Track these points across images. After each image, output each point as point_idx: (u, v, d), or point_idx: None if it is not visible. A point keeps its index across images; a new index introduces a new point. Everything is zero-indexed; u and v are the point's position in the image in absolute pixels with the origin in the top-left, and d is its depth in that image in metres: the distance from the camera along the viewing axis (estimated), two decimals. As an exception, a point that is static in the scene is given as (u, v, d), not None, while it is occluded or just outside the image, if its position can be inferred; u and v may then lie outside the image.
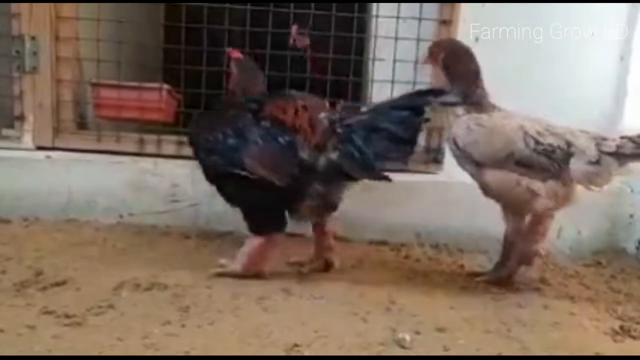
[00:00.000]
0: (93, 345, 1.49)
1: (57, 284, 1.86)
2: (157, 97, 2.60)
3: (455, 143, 2.11)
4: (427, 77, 2.59)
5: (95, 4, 2.59)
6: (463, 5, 2.57)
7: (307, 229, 2.18)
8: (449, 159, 2.38)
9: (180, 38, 2.61)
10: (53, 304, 1.70)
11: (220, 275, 2.02)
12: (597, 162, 1.95)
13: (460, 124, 2.10)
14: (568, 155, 1.98)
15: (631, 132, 2.50)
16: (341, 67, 2.68)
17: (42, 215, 2.55)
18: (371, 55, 2.67)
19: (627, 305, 2.04)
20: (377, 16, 2.61)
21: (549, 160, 1.98)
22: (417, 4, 2.57)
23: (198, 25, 2.59)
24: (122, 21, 2.62)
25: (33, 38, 2.55)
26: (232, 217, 2.13)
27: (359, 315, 1.79)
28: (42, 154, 2.62)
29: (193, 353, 1.49)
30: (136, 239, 2.40)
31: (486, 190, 2.09)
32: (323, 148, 1.92)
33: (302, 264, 2.17)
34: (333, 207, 2.05)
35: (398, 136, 1.89)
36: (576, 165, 1.97)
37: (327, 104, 2.13)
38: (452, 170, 2.37)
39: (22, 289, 1.81)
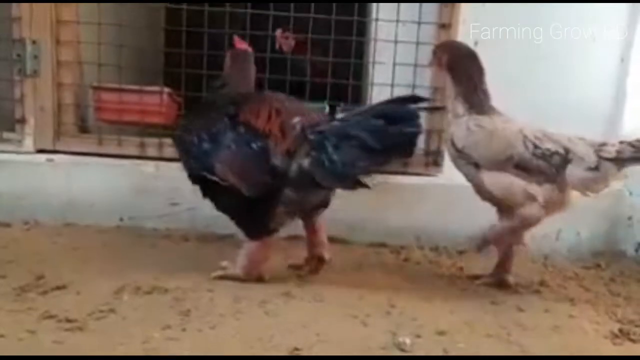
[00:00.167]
0: (94, 350, 1.50)
1: (58, 288, 1.86)
2: (158, 101, 2.61)
3: (454, 144, 2.12)
4: (427, 80, 2.62)
5: (96, 8, 2.59)
6: (462, 8, 2.58)
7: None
8: (448, 162, 2.38)
9: (180, 42, 2.62)
10: (54, 308, 1.70)
11: (222, 278, 2.03)
12: (596, 169, 1.95)
13: (460, 124, 2.11)
14: (566, 161, 1.98)
15: (631, 134, 2.54)
16: (341, 70, 2.69)
17: (43, 218, 2.55)
18: (371, 59, 2.67)
19: (626, 308, 2.04)
20: (377, 20, 2.62)
21: (548, 165, 1.99)
22: (417, 8, 2.57)
23: (199, 29, 2.59)
24: (123, 25, 2.63)
25: (34, 42, 2.56)
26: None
27: (359, 318, 1.80)
28: (43, 157, 2.62)
29: (194, 357, 1.50)
30: (137, 242, 2.41)
31: (482, 192, 2.09)
32: (294, 154, 1.87)
33: (300, 267, 2.17)
34: (322, 205, 2.03)
35: (369, 145, 1.81)
36: (574, 172, 1.97)
37: (306, 108, 2.07)
38: (451, 173, 2.36)
39: (22, 293, 1.82)
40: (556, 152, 1.98)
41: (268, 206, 1.91)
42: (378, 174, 2.55)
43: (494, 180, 2.05)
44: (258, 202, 1.90)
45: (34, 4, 2.54)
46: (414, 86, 2.59)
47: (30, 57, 2.56)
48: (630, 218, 2.67)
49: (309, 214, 2.08)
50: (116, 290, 1.87)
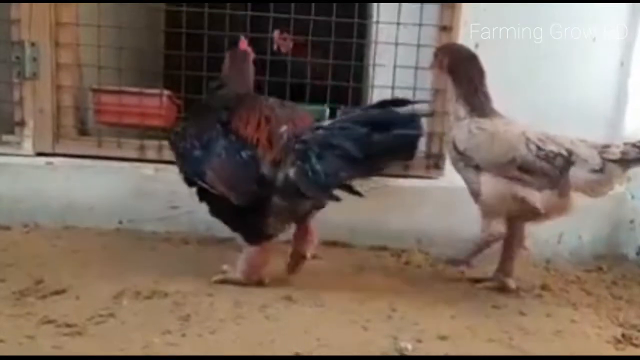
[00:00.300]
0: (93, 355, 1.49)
1: (57, 293, 1.85)
2: (158, 103, 2.60)
3: (456, 146, 2.11)
4: (428, 82, 2.61)
5: (96, 10, 2.58)
6: (463, 10, 2.57)
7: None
8: (449, 164, 2.37)
9: (180, 44, 2.61)
10: (53, 313, 1.69)
11: (222, 282, 2.02)
12: (601, 171, 1.93)
13: (461, 127, 2.10)
14: (569, 163, 1.97)
15: (632, 135, 2.54)
16: (342, 72, 2.68)
17: (42, 221, 2.54)
18: (371, 61, 2.66)
19: (628, 312, 2.04)
20: (377, 22, 2.61)
21: (551, 167, 1.98)
22: (418, 10, 2.56)
23: (198, 31, 2.59)
24: (122, 27, 2.62)
25: (33, 44, 2.55)
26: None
27: (359, 323, 1.79)
28: (42, 160, 2.61)
29: (194, 363, 1.49)
30: (136, 245, 2.40)
31: (479, 196, 2.08)
32: (281, 164, 1.85)
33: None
34: (316, 208, 2.01)
35: (350, 154, 1.77)
36: (578, 174, 1.96)
37: (299, 114, 2.03)
38: (453, 176, 2.35)
39: (21, 298, 1.81)
40: (559, 154, 1.97)
41: (258, 214, 1.90)
42: (378, 177, 2.57)
43: (495, 187, 2.04)
44: (248, 210, 1.89)
45: (33, 7, 2.53)
46: (414, 89, 2.58)
47: (30, 59, 2.56)
48: (632, 221, 2.67)
49: (302, 219, 2.06)
50: (116, 295, 1.86)
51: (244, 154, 1.87)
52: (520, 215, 2.08)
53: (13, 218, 2.52)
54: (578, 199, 2.04)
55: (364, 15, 2.82)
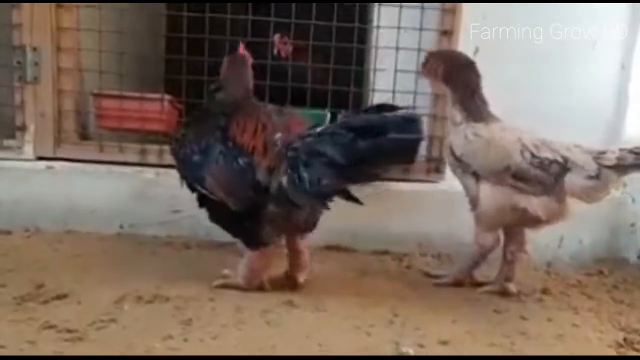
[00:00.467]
0: (95, 360, 1.49)
1: (58, 297, 1.85)
2: (159, 108, 2.60)
3: (453, 152, 2.11)
4: (428, 87, 2.61)
5: (97, 15, 2.59)
6: (464, 15, 2.57)
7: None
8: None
9: (181, 48, 2.62)
10: (54, 318, 1.69)
11: (223, 287, 2.02)
12: (597, 177, 1.93)
13: (458, 132, 2.11)
14: (564, 170, 1.97)
15: (633, 139, 2.54)
16: (342, 77, 2.68)
17: (43, 226, 2.54)
18: (372, 66, 2.67)
19: (629, 316, 2.04)
20: (378, 26, 2.62)
21: (546, 174, 1.98)
22: (418, 14, 2.57)
23: (199, 35, 2.59)
24: (123, 32, 2.62)
25: (34, 49, 2.55)
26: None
27: (362, 328, 1.78)
28: (43, 164, 2.61)
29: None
30: (138, 250, 2.39)
31: (477, 204, 2.08)
32: (275, 171, 1.84)
33: (278, 280, 2.11)
34: (309, 226, 2.01)
35: (334, 162, 1.74)
36: (574, 181, 1.96)
37: (297, 120, 2.02)
38: (453, 180, 2.35)
39: (22, 303, 1.80)
40: (555, 161, 1.97)
41: (255, 221, 1.90)
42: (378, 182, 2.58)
43: (490, 196, 2.04)
44: (245, 216, 1.89)
45: (35, 11, 2.53)
46: (415, 93, 2.58)
47: (31, 64, 2.56)
48: (632, 225, 2.67)
49: (295, 232, 2.05)
50: (117, 300, 1.86)
51: (240, 161, 1.88)
52: (519, 223, 2.10)
53: (14, 222, 2.53)
54: (578, 203, 2.03)
55: (365, 19, 2.83)
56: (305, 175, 1.77)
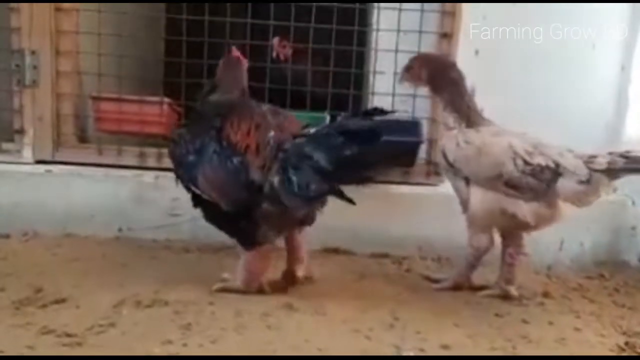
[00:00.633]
0: (94, 365, 1.48)
1: (57, 302, 1.84)
2: (158, 111, 2.59)
3: (445, 157, 2.11)
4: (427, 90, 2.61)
5: (96, 18, 2.58)
6: (464, 17, 2.57)
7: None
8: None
9: (181, 51, 2.61)
10: (53, 322, 1.68)
11: (223, 290, 2.01)
12: (588, 181, 1.93)
13: (450, 137, 2.11)
14: (556, 175, 1.97)
15: (633, 141, 2.54)
16: (341, 79, 2.68)
17: (42, 229, 2.53)
18: (371, 68, 2.66)
19: (631, 320, 2.02)
20: (377, 29, 2.61)
21: (537, 182, 1.98)
22: (418, 17, 2.57)
23: (199, 38, 2.59)
24: (122, 35, 2.62)
25: (33, 52, 2.55)
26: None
27: (362, 332, 1.77)
28: (42, 168, 2.61)
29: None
30: (136, 254, 2.38)
31: (468, 206, 2.09)
32: (268, 171, 1.84)
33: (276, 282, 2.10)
34: (307, 222, 2.01)
35: (320, 166, 1.73)
36: (565, 185, 1.96)
37: (291, 121, 2.02)
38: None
39: (21, 307, 1.79)
40: (547, 167, 1.97)
41: (249, 220, 1.89)
42: (379, 184, 2.57)
43: (480, 199, 2.05)
44: (239, 216, 1.89)
45: (34, 15, 2.53)
46: (414, 96, 2.57)
47: (30, 67, 2.55)
48: (633, 228, 2.66)
49: (293, 229, 2.05)
50: (116, 304, 1.84)
51: (234, 160, 1.88)
52: (509, 227, 2.10)
53: (12, 226, 2.51)
54: (576, 207, 2.03)
55: (364, 22, 2.82)
56: (294, 178, 1.77)
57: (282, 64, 3.10)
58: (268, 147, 1.87)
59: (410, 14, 2.58)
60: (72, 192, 2.58)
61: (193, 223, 2.54)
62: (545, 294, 2.22)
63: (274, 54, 3.14)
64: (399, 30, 2.58)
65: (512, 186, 2.00)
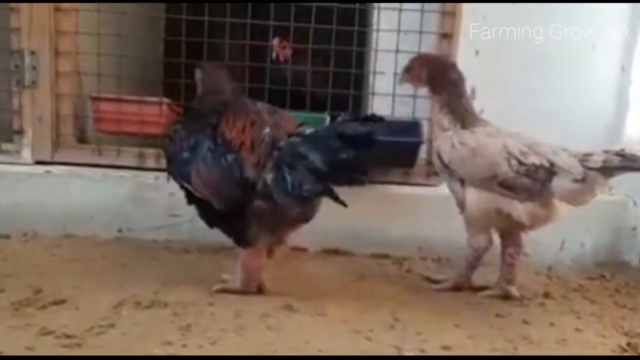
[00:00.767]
0: (93, 367, 1.47)
1: (57, 303, 1.84)
2: (158, 111, 2.59)
3: (441, 158, 2.12)
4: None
5: (96, 19, 2.58)
6: (464, 17, 2.57)
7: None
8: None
9: (180, 52, 2.61)
10: (52, 323, 1.68)
11: (222, 291, 2.00)
12: (583, 180, 1.93)
13: (445, 138, 2.11)
14: (551, 174, 1.96)
15: (633, 142, 2.54)
16: (341, 80, 2.67)
17: (41, 230, 2.52)
18: (372, 69, 2.66)
19: (633, 321, 2.02)
20: (377, 29, 2.61)
21: (532, 181, 1.97)
22: (418, 17, 2.56)
23: (198, 39, 2.58)
24: (122, 35, 2.61)
25: (32, 52, 2.54)
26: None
27: (362, 333, 1.77)
28: (41, 169, 2.60)
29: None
30: (136, 255, 2.38)
31: (465, 208, 2.09)
32: (262, 168, 1.84)
33: None
34: (303, 220, 1.98)
35: (315, 167, 1.74)
36: (560, 184, 1.95)
37: (287, 120, 2.01)
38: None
39: (20, 308, 1.79)
40: (541, 166, 1.97)
41: (243, 218, 1.89)
42: (379, 184, 2.57)
43: (475, 200, 2.05)
44: (231, 214, 1.89)
45: (33, 15, 2.52)
46: (414, 96, 2.57)
47: (29, 68, 2.55)
48: (634, 228, 2.65)
49: (289, 227, 2.03)
50: (115, 305, 1.84)
51: (228, 157, 1.88)
52: (505, 227, 2.10)
53: (12, 227, 2.51)
54: (576, 208, 2.03)
55: (364, 22, 2.82)
56: (288, 177, 1.78)
57: (282, 65, 3.10)
58: (263, 144, 1.87)
59: (411, 14, 2.58)
60: (71, 193, 2.57)
61: (192, 224, 2.53)
62: (546, 295, 2.22)
63: (274, 55, 3.14)
64: (399, 31, 2.57)
65: (506, 186, 2.00)
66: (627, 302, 2.21)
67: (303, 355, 1.59)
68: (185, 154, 1.93)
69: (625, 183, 2.48)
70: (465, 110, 2.12)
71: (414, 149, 2.52)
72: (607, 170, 1.93)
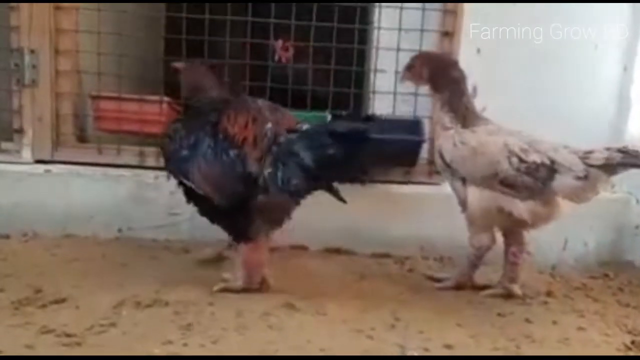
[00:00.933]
0: (93, 366, 1.47)
1: (57, 302, 1.83)
2: (158, 110, 2.57)
3: (442, 157, 2.11)
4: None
5: (96, 17, 2.57)
6: (465, 16, 2.55)
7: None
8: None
9: (181, 50, 2.60)
10: (52, 322, 1.67)
11: (224, 291, 1.99)
12: (585, 177, 1.92)
13: (447, 137, 2.10)
14: (552, 172, 1.95)
15: (635, 141, 2.52)
16: (342, 78, 2.66)
17: (41, 230, 2.51)
18: (373, 67, 2.65)
19: (636, 319, 2.01)
20: (378, 27, 2.60)
21: (533, 180, 1.96)
22: (419, 15, 2.55)
23: (199, 37, 2.57)
24: (122, 34, 2.60)
25: (32, 51, 2.53)
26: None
27: (364, 332, 1.76)
28: (41, 168, 2.59)
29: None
30: (136, 254, 2.36)
31: (466, 207, 2.08)
32: (263, 163, 1.87)
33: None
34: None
35: (304, 164, 1.79)
36: (562, 182, 1.94)
37: (288, 117, 2.04)
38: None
39: (20, 307, 1.78)
40: (542, 164, 1.96)
41: (243, 214, 1.90)
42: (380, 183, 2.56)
43: (477, 198, 2.04)
44: (233, 209, 1.90)
45: (33, 13, 2.51)
46: (416, 95, 2.56)
47: (29, 66, 2.53)
48: (637, 227, 2.64)
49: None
50: (116, 304, 1.83)
51: (230, 153, 1.88)
52: (507, 225, 2.09)
53: (12, 226, 2.49)
54: (579, 206, 2.02)
55: (365, 20, 2.81)
56: (279, 172, 1.82)
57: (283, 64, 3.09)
58: (265, 139, 1.88)
59: (412, 12, 2.56)
60: (71, 192, 2.56)
61: (192, 223, 2.53)
62: (549, 293, 2.21)
63: (276, 58, 3.13)
64: (400, 29, 2.56)
65: (507, 185, 1.99)
66: (630, 301, 2.20)
67: (305, 356, 1.58)
68: (185, 152, 1.93)
69: (627, 181, 2.48)
70: (466, 109, 2.12)
71: (415, 147, 2.51)
72: (609, 167, 1.92)
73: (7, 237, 2.46)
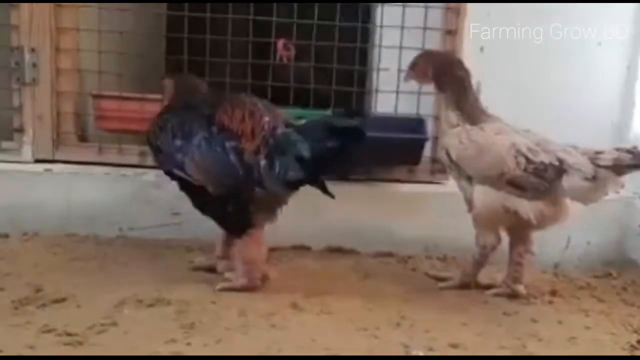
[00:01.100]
0: (95, 365, 1.45)
1: (57, 301, 1.81)
2: (159, 109, 2.55)
3: (449, 154, 2.09)
4: (432, 87, 2.58)
5: (97, 15, 2.56)
6: (468, 14, 2.55)
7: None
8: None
9: (182, 49, 2.58)
10: (53, 322, 1.65)
11: (226, 290, 1.97)
12: (594, 178, 1.90)
13: (453, 135, 2.09)
14: (560, 172, 1.94)
15: (639, 140, 2.52)
16: (345, 77, 2.65)
17: (42, 229, 2.49)
18: (375, 65, 2.64)
19: (642, 319, 2.00)
20: (381, 26, 2.59)
21: (540, 180, 1.95)
22: (422, 14, 2.54)
23: (200, 36, 2.56)
24: (123, 32, 2.59)
25: (33, 50, 2.51)
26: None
27: (369, 331, 1.74)
28: (41, 167, 2.57)
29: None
30: (138, 253, 2.34)
31: (472, 205, 2.07)
32: (259, 155, 1.88)
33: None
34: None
35: (301, 155, 1.80)
36: (570, 183, 1.93)
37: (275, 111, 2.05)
38: (459, 181, 2.33)
39: (21, 307, 1.76)
40: (550, 164, 1.94)
41: (238, 206, 1.90)
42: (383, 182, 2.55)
43: (483, 198, 2.02)
44: (228, 200, 1.90)
45: (34, 12, 2.49)
46: (419, 93, 2.55)
47: (29, 65, 2.52)
48: (641, 226, 2.63)
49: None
50: (117, 303, 1.81)
51: (227, 144, 1.89)
52: (513, 225, 2.07)
53: (12, 226, 2.47)
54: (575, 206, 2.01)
55: (368, 19, 2.80)
56: (277, 163, 1.83)
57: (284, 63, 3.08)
58: (262, 132, 1.90)
59: (414, 10, 2.55)
60: (72, 191, 2.54)
61: (194, 222, 2.51)
62: (553, 293, 2.19)
63: (278, 57, 3.12)
64: (403, 27, 2.55)
65: (514, 185, 1.97)
66: (635, 300, 2.18)
67: (310, 355, 1.57)
68: (178, 142, 1.94)
69: (631, 181, 2.45)
70: (472, 107, 2.10)
71: (418, 146, 2.50)
72: (618, 168, 1.90)
73: (7, 236, 2.44)
